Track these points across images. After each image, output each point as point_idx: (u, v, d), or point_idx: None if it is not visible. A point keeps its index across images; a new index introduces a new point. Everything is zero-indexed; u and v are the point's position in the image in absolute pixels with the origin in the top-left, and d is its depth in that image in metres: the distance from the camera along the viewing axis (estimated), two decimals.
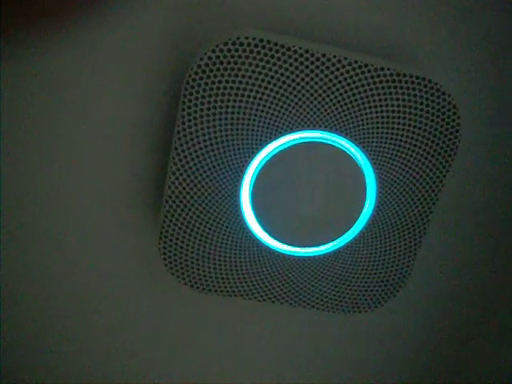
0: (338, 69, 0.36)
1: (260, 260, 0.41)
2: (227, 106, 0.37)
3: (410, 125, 0.38)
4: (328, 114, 0.37)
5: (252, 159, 0.38)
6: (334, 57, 0.36)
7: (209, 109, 0.36)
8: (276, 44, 0.35)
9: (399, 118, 0.38)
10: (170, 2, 0.38)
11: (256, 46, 0.35)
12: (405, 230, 0.42)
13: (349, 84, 0.37)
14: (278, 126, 0.37)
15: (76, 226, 0.44)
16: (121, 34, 0.39)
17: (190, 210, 0.39)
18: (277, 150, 0.38)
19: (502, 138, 0.45)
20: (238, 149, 0.38)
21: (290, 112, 0.37)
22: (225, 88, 0.36)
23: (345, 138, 0.38)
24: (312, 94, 0.37)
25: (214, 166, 0.38)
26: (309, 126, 0.38)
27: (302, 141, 0.38)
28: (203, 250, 0.41)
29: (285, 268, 0.42)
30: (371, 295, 0.43)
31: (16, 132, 0.41)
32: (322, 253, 0.41)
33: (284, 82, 0.36)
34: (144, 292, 0.47)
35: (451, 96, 0.38)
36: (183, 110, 0.36)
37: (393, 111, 0.38)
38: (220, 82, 0.36)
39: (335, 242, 0.41)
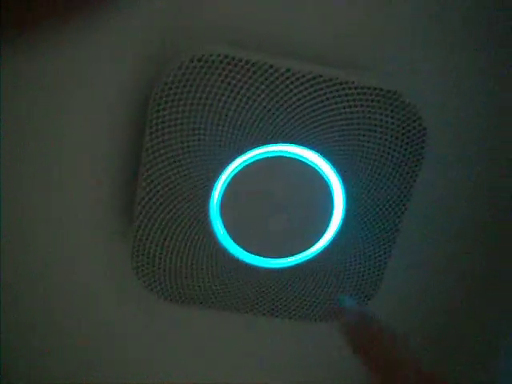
0: (302, 83, 0.37)
1: (231, 272, 0.42)
2: (194, 122, 0.37)
3: (375, 136, 0.39)
4: (294, 127, 0.38)
5: (220, 174, 0.38)
6: (299, 72, 0.37)
7: (176, 125, 0.37)
8: (240, 60, 0.36)
9: (364, 129, 0.39)
10: (139, 16, 0.39)
11: (221, 62, 0.36)
12: (374, 240, 0.42)
13: (314, 98, 0.37)
14: (244, 141, 0.38)
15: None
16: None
17: (160, 223, 0.40)
18: (243, 165, 0.38)
19: (468, 139, 0.46)
20: (207, 164, 0.38)
21: (257, 127, 0.38)
22: (191, 105, 0.37)
23: (311, 150, 0.39)
24: (278, 109, 0.37)
25: (182, 182, 0.39)
26: (276, 139, 0.38)
27: (266, 155, 0.38)
28: (175, 264, 0.41)
29: (256, 279, 0.42)
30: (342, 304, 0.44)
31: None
32: (291, 264, 0.42)
33: (249, 98, 0.37)
34: (122, 305, 0.48)
35: (416, 107, 0.38)
36: (150, 127, 0.37)
37: (358, 123, 0.38)
38: (186, 98, 0.36)
39: (304, 254, 0.42)
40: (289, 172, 0.39)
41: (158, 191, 0.39)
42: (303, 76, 0.37)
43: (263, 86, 0.37)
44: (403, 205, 0.41)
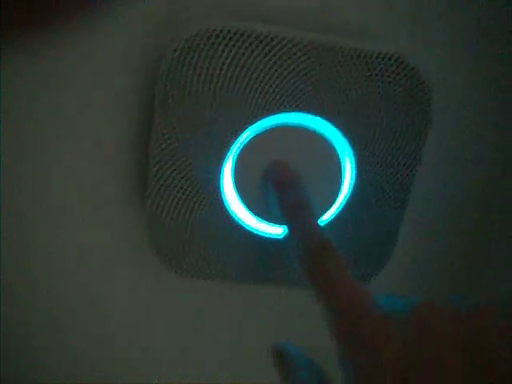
0: (305, 53, 0.37)
1: (244, 243, 0.42)
2: (202, 96, 0.38)
3: (382, 100, 0.39)
4: (300, 96, 0.38)
5: (231, 145, 0.39)
6: (304, 40, 0.37)
7: (184, 100, 0.38)
8: (244, 33, 0.36)
9: (371, 94, 0.39)
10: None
11: (224, 36, 0.36)
12: (385, 207, 0.43)
13: (319, 66, 0.38)
14: (253, 112, 0.38)
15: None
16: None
17: (173, 198, 0.40)
18: (253, 135, 0.39)
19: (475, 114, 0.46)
20: (217, 137, 0.39)
21: (264, 97, 0.38)
22: (198, 79, 0.37)
23: (319, 117, 0.39)
24: (283, 79, 0.38)
25: (194, 154, 0.39)
26: (284, 109, 0.39)
27: (274, 125, 0.39)
28: (189, 238, 0.42)
29: (269, 250, 0.43)
30: (356, 272, 0.45)
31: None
32: None
33: (255, 70, 0.37)
34: (139, 283, 0.49)
35: (420, 69, 0.38)
36: (159, 104, 0.38)
37: (364, 89, 0.39)
38: (192, 75, 0.37)
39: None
40: (298, 140, 0.40)
41: (170, 165, 0.39)
42: (308, 45, 0.37)
43: (268, 58, 0.37)
44: (413, 168, 0.41)
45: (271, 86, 0.38)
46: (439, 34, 0.43)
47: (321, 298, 0.31)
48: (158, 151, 0.39)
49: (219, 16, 0.40)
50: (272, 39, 0.37)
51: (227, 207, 0.41)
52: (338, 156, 0.41)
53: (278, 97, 0.38)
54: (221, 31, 0.36)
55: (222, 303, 0.51)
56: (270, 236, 0.42)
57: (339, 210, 0.42)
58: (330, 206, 0.42)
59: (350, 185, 0.42)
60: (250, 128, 0.39)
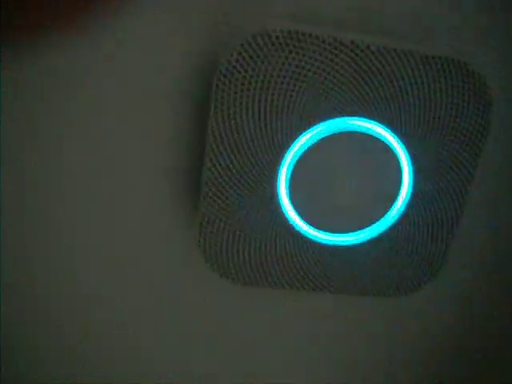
0: (367, 55, 0.36)
1: (299, 250, 0.41)
2: (259, 100, 0.37)
3: (441, 107, 0.38)
4: (361, 101, 0.37)
5: (287, 151, 0.38)
6: (363, 43, 0.36)
7: (241, 104, 0.37)
8: (304, 34, 0.35)
9: (430, 100, 0.38)
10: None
11: (284, 37, 0.35)
12: (442, 213, 0.41)
13: (379, 70, 0.37)
14: (311, 116, 0.37)
15: (116, 226, 0.44)
16: (142, 30, 0.39)
17: (227, 205, 0.39)
18: (310, 141, 0.38)
19: None
20: (273, 142, 0.38)
21: (323, 101, 0.37)
22: (256, 82, 0.36)
23: (378, 123, 0.38)
24: (344, 82, 0.37)
25: (249, 160, 0.38)
26: (342, 114, 0.38)
27: (333, 130, 0.38)
28: (242, 244, 0.41)
29: (323, 257, 0.42)
30: (411, 278, 0.43)
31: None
32: (359, 241, 0.41)
33: (314, 72, 0.36)
34: (188, 289, 0.48)
35: (482, 75, 0.38)
36: (215, 107, 0.37)
37: (424, 94, 0.38)
38: (251, 76, 0.36)
39: (373, 229, 0.41)
40: (356, 147, 0.39)
41: (225, 172, 0.38)
42: (368, 48, 0.36)
43: (328, 60, 0.36)
44: (470, 175, 0.40)
45: (329, 90, 0.37)
46: (501, 40, 0.42)
47: None
48: (212, 156, 0.38)
49: (277, 17, 0.39)
50: (331, 42, 0.36)
51: (283, 214, 0.40)
52: (397, 162, 0.39)
53: (335, 102, 0.37)
54: (280, 32, 0.35)
55: (274, 309, 0.50)
56: (326, 243, 0.41)
57: (396, 217, 0.41)
58: (389, 212, 0.41)
59: (407, 192, 0.40)
60: (305, 133, 0.38)
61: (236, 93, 0.36)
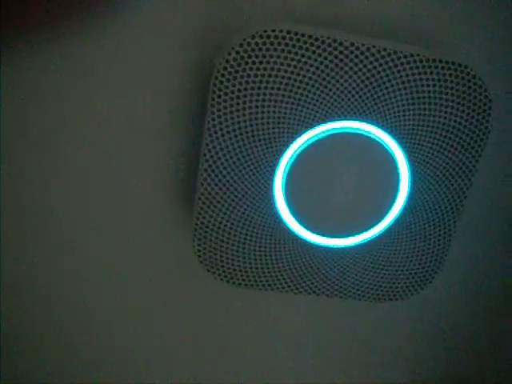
0: (367, 57, 0.36)
1: (294, 252, 0.41)
2: (257, 100, 0.36)
3: (441, 110, 0.38)
4: (359, 102, 0.37)
5: (284, 151, 0.38)
6: (363, 45, 0.36)
7: (238, 103, 0.36)
8: (303, 35, 0.35)
9: (430, 103, 0.38)
10: None
11: (284, 37, 0.35)
12: (439, 218, 0.41)
13: (379, 72, 0.36)
14: (308, 117, 0.37)
15: (114, 228, 0.44)
16: (142, 28, 0.39)
17: (223, 205, 0.39)
18: (307, 142, 0.38)
19: None
20: (270, 142, 0.38)
21: (321, 102, 0.37)
22: (254, 82, 0.36)
23: (376, 126, 0.38)
24: (342, 84, 0.36)
25: (246, 161, 0.38)
26: (340, 115, 0.37)
27: (331, 132, 0.38)
28: (237, 245, 0.41)
29: (319, 259, 0.41)
30: (406, 283, 0.43)
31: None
32: (356, 243, 0.41)
33: (314, 73, 0.36)
34: (181, 289, 0.47)
35: (481, 79, 0.37)
36: (213, 106, 0.36)
37: (423, 97, 0.37)
38: (249, 76, 0.36)
39: (369, 232, 0.41)
40: (354, 148, 0.38)
41: (221, 171, 0.38)
42: (367, 50, 0.36)
43: (327, 61, 0.36)
44: (468, 180, 0.40)
45: (328, 91, 0.37)
46: (503, 47, 0.42)
47: None
48: (209, 156, 0.38)
49: (273, 18, 0.39)
50: (331, 43, 0.35)
51: (280, 216, 0.40)
52: (394, 165, 0.39)
53: (333, 103, 0.37)
54: (280, 32, 0.35)
55: (270, 312, 0.49)
56: (322, 244, 0.41)
57: (394, 220, 0.41)
58: (385, 216, 0.40)
59: (405, 194, 0.40)
60: (303, 135, 0.38)
61: (234, 93, 0.36)
